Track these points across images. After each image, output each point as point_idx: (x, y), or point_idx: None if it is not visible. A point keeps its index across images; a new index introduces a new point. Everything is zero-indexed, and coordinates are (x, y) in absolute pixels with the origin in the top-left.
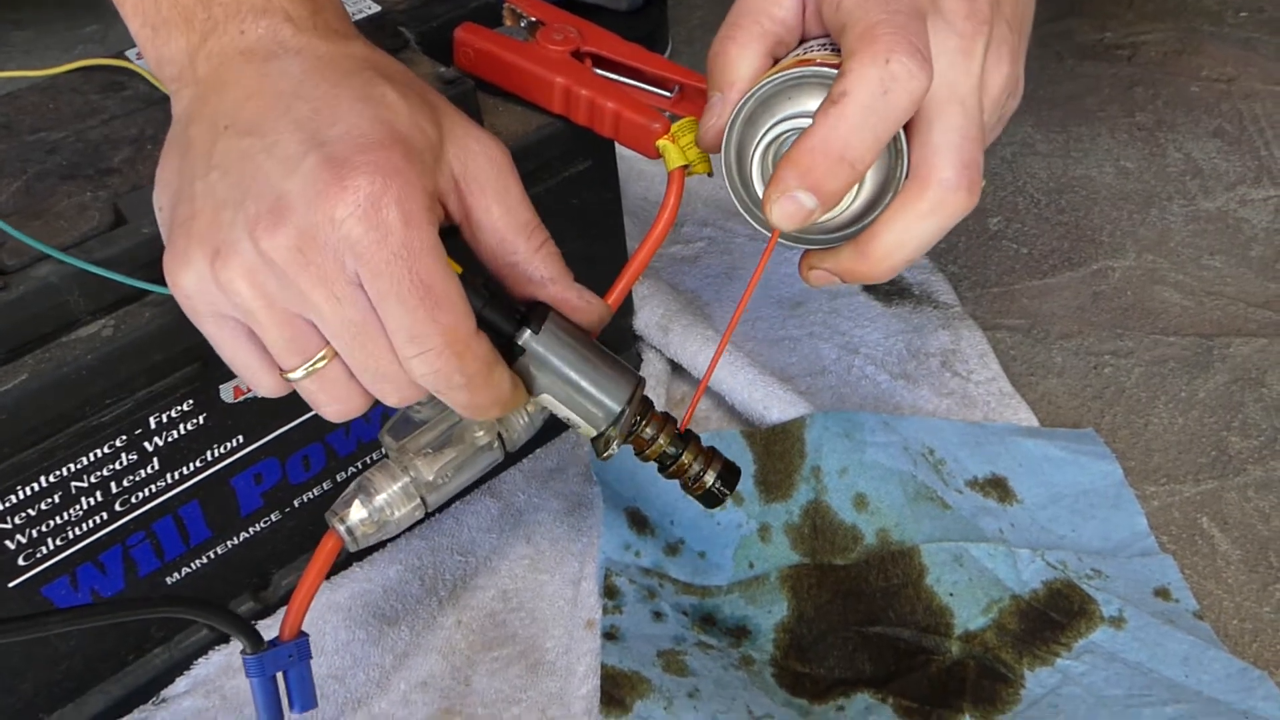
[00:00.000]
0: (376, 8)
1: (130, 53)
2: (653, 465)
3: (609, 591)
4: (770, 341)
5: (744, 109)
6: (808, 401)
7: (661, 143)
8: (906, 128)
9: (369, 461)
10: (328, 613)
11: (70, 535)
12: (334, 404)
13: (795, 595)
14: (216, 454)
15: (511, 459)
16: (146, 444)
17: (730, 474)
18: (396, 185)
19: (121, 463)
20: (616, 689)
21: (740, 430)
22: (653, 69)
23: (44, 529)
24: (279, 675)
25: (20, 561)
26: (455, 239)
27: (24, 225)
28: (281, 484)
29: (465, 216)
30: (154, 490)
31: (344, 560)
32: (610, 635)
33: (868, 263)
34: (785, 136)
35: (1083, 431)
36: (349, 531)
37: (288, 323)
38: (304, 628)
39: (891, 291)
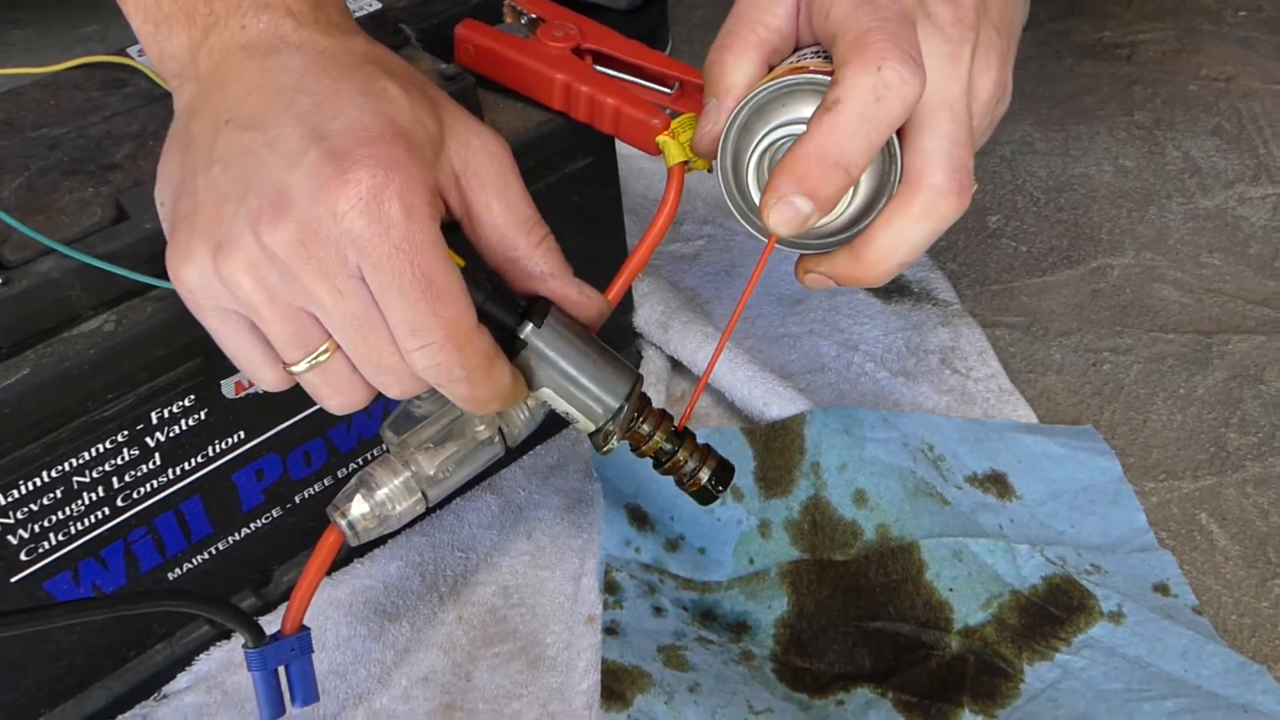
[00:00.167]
0: (378, 4)
1: (132, 49)
2: (650, 461)
3: (609, 587)
4: (770, 339)
5: (739, 116)
6: (807, 398)
7: (661, 139)
8: (898, 133)
9: (370, 457)
10: (329, 609)
11: (72, 530)
12: (337, 397)
13: (795, 591)
14: (218, 449)
15: (512, 455)
16: (148, 439)
17: (725, 471)
18: (398, 179)
19: (123, 458)
20: (617, 684)
21: (740, 427)
22: (653, 66)
23: (46, 524)
24: (280, 669)
25: (22, 556)
26: (456, 234)
27: (27, 220)
28: (283, 480)
29: (466, 212)
30: (156, 485)
31: (345, 556)
32: (611, 630)
33: (862, 266)
34: (780, 143)
35: (1082, 428)
36: (350, 526)
37: (290, 316)
38: (305, 623)
39: (891, 289)
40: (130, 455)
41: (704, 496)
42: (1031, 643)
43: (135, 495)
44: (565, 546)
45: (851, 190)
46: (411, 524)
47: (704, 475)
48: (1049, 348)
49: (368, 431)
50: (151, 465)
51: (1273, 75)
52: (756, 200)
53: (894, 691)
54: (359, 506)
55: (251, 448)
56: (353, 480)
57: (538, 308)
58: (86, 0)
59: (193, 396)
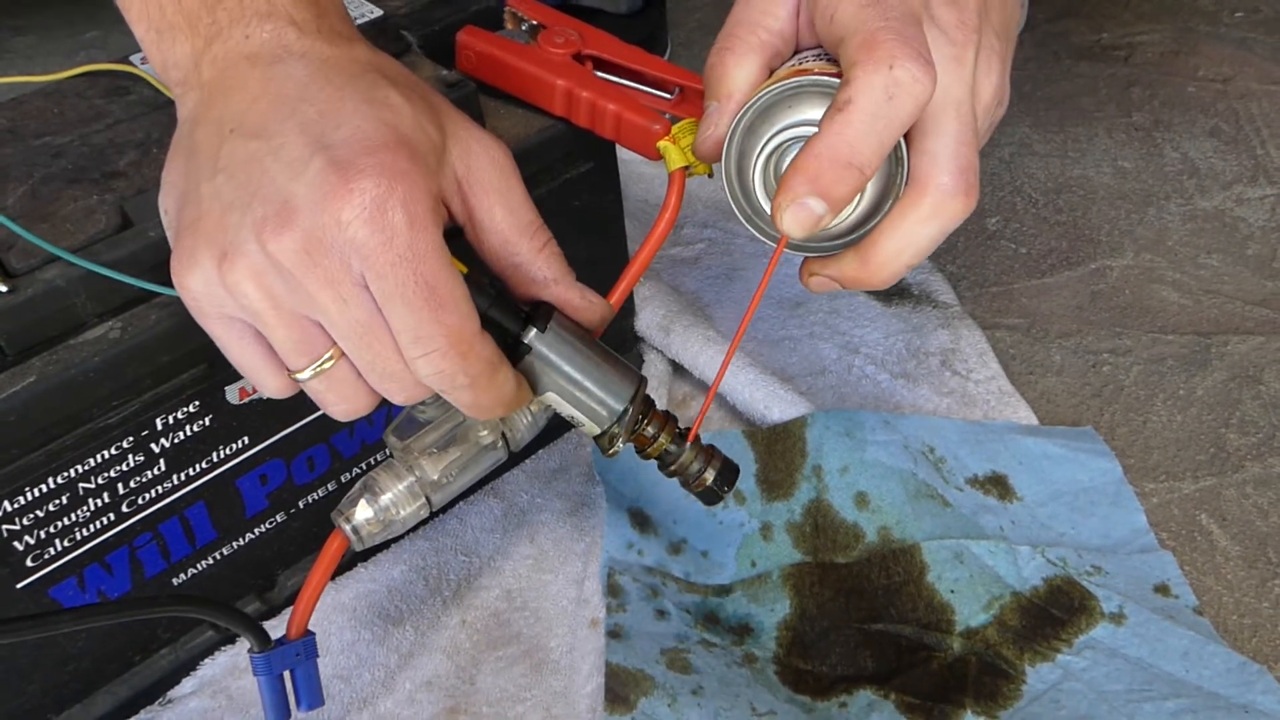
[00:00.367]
0: (379, 12)
1: (135, 57)
2: (654, 464)
3: (612, 590)
4: (771, 342)
5: (744, 119)
6: (808, 401)
7: (662, 144)
8: (904, 135)
9: (373, 462)
10: (333, 613)
11: (77, 536)
12: (341, 403)
13: (797, 593)
14: (222, 455)
15: (514, 459)
16: (153, 445)
17: (729, 471)
18: (402, 187)
19: (128, 464)
20: (621, 687)
21: (742, 430)
22: (653, 71)
23: (51, 530)
24: (286, 674)
25: (28, 563)
26: (459, 240)
27: (31, 228)
28: (287, 485)
29: (469, 218)
30: (160, 491)
31: (348, 561)
32: (614, 634)
33: (869, 269)
34: (787, 145)
35: (1082, 429)
36: (355, 531)
37: (295, 324)
38: (310, 627)
39: (891, 291)
40: (135, 461)
41: (709, 497)
42: (1033, 644)
43: (140, 501)
44: (568, 550)
45: (860, 192)
46: (415, 528)
47: (709, 476)
48: (1049, 349)
49: (371, 437)
50: (156, 471)
51: (1270, 76)
52: (762, 204)
53: (896, 693)
54: (363, 511)
55: (255, 453)
56: (357, 485)
57: (541, 313)
58: (88, 7)
59: (197, 403)
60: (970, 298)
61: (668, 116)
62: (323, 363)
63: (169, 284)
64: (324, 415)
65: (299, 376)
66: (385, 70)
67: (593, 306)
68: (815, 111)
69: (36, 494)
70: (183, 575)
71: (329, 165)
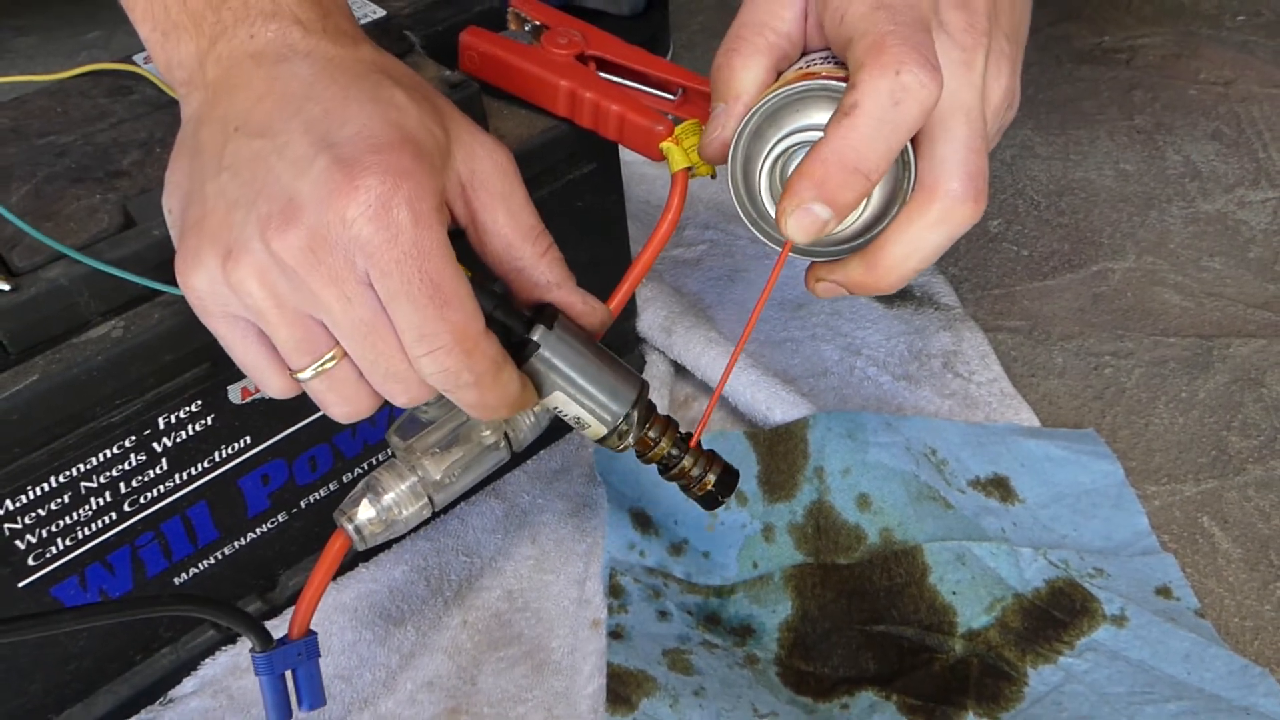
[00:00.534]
0: (381, 12)
1: (138, 57)
2: (653, 466)
3: (614, 591)
4: (773, 343)
5: (750, 122)
6: (810, 402)
7: (665, 145)
8: (912, 140)
9: (375, 462)
10: (334, 613)
11: (79, 535)
12: (343, 404)
13: (799, 595)
14: (224, 455)
15: (516, 460)
16: (155, 445)
17: (730, 476)
18: (407, 186)
19: (130, 463)
20: (622, 687)
21: (744, 431)
22: (656, 72)
23: (53, 529)
24: (287, 674)
25: (30, 561)
26: (461, 243)
27: (35, 227)
28: (288, 485)
29: (471, 220)
30: (162, 491)
31: (350, 561)
32: (616, 634)
33: (875, 274)
34: (793, 150)
35: (1084, 431)
36: (357, 530)
37: (298, 323)
38: (311, 627)
39: (893, 294)
40: (137, 461)
41: (709, 502)
42: (1035, 646)
43: (142, 500)
44: (570, 551)
45: (866, 197)
46: (416, 529)
47: (710, 480)
48: (1051, 351)
49: (373, 437)
50: (158, 470)
51: (1271, 79)
52: (767, 207)
53: (898, 695)
54: (366, 511)
55: (257, 453)
56: (359, 485)
57: (545, 314)
58: (89, 7)
59: (199, 402)
60: (972, 300)
61: (671, 118)
62: (324, 362)
63: (173, 283)
64: (326, 416)
65: (301, 376)
66: (390, 70)
67: (594, 311)
68: (822, 116)
69: (38, 493)
70: (184, 574)
71: (334, 163)
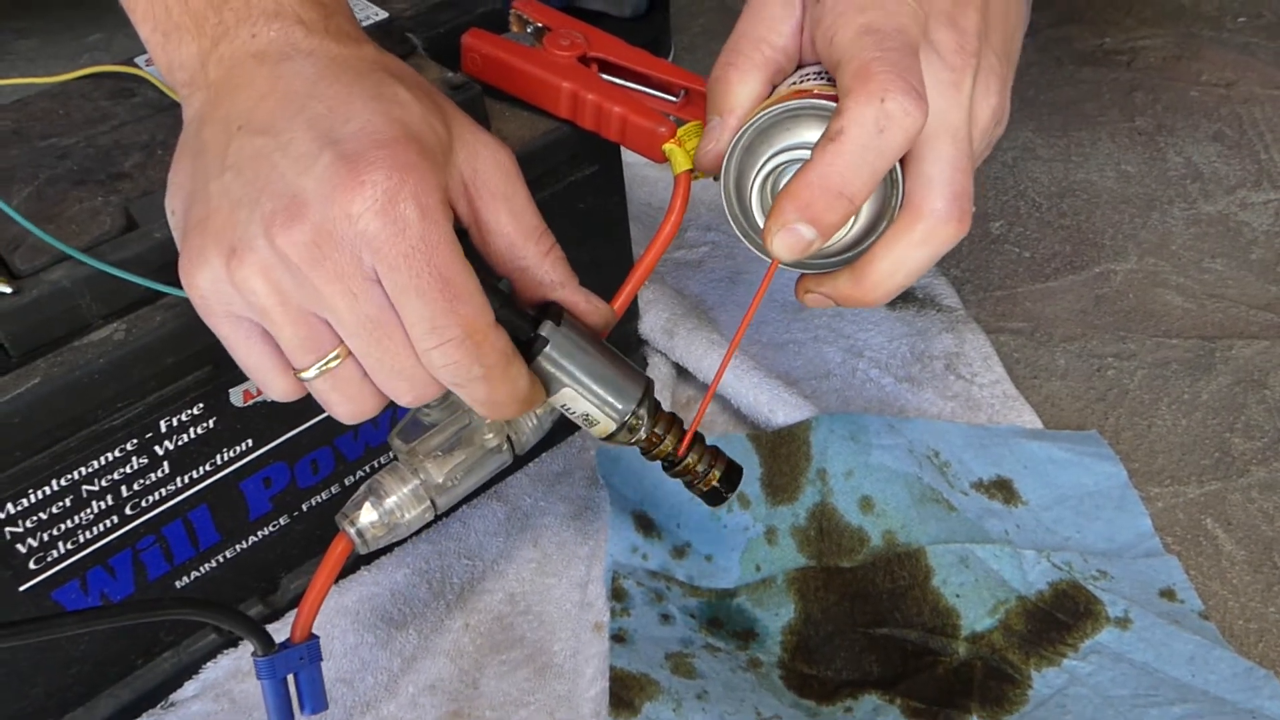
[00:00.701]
0: (384, 14)
1: (139, 59)
2: (657, 468)
3: (617, 594)
4: (775, 345)
5: (742, 138)
6: (813, 405)
7: (668, 146)
8: (900, 158)
9: (377, 465)
10: (336, 617)
11: (81, 539)
12: (346, 404)
13: (802, 597)
14: (226, 458)
15: (518, 463)
16: (157, 448)
17: (734, 472)
18: (412, 180)
19: (132, 466)
20: (625, 691)
21: (746, 433)
22: (659, 74)
23: (55, 533)
24: (290, 677)
25: (31, 565)
26: (464, 243)
27: (37, 229)
28: (290, 488)
29: (474, 220)
30: (164, 494)
31: (351, 564)
32: (618, 638)
33: (862, 288)
34: (783, 167)
35: (1086, 433)
36: (359, 534)
37: (302, 321)
38: (313, 631)
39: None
40: (139, 464)
41: (714, 498)
42: (1039, 648)
43: (144, 504)
44: (572, 554)
45: (850, 218)
46: (418, 532)
47: (715, 476)
48: (1053, 353)
49: (375, 440)
50: (160, 474)
51: (1273, 81)
52: (759, 221)
53: (902, 698)
54: (368, 514)
55: (259, 456)
56: (361, 488)
57: (551, 313)
58: (91, 10)
59: (201, 405)
60: (974, 301)
61: (673, 119)
62: (328, 361)
63: (176, 284)
64: (328, 418)
65: (304, 376)
66: (392, 69)
67: (597, 310)
68: (812, 134)
69: (40, 496)
70: (186, 578)
71: (338, 159)
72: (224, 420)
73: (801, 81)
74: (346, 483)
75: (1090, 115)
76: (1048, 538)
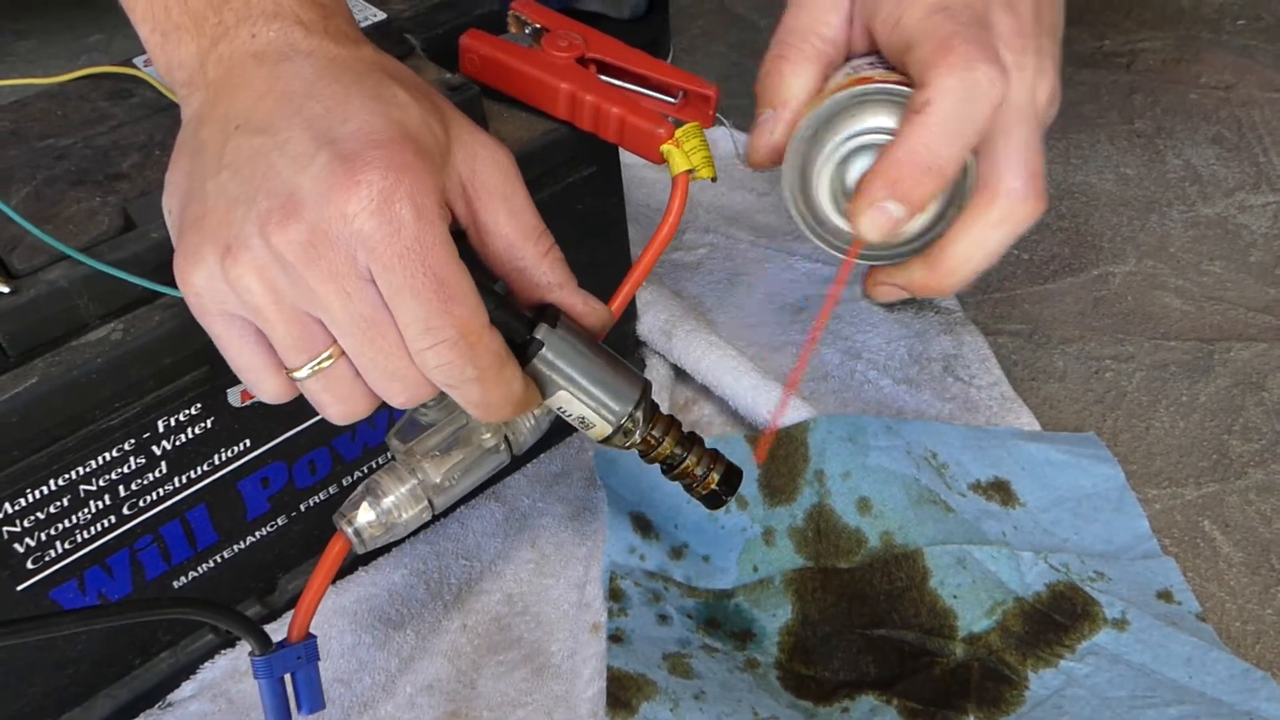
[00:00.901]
0: (382, 15)
1: (138, 60)
2: (655, 469)
3: (614, 595)
4: (773, 347)
5: (807, 127)
6: (811, 406)
7: (666, 147)
8: None
9: (375, 466)
10: (333, 617)
11: (78, 539)
12: (338, 405)
13: (799, 598)
14: (224, 458)
15: (516, 463)
16: (155, 448)
17: (733, 475)
18: (408, 180)
19: (130, 466)
20: (622, 691)
21: (744, 435)
22: (657, 75)
23: (52, 532)
24: (287, 677)
25: (29, 565)
26: (462, 244)
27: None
28: (288, 488)
29: (472, 221)
30: (162, 494)
31: (349, 565)
32: (616, 638)
33: (937, 275)
34: (854, 154)
35: (1084, 435)
36: (357, 533)
37: (296, 320)
38: (310, 631)
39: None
40: (136, 464)
41: (713, 501)
42: (1036, 650)
43: (141, 503)
44: (570, 554)
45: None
46: (416, 532)
47: (714, 479)
48: (1051, 355)
49: (373, 440)
50: (158, 474)
51: (1272, 83)
52: (828, 212)
53: (899, 699)
54: (365, 514)
55: (257, 456)
56: (359, 488)
57: (547, 315)
58: (90, 11)
59: (199, 405)
60: (972, 303)
61: (671, 120)
62: (321, 361)
63: (173, 284)
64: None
65: (296, 375)
66: (391, 70)
67: (595, 312)
68: (882, 119)
69: (38, 496)
70: (184, 578)
71: (335, 159)
72: (222, 420)
73: (857, 72)
74: (344, 483)
75: (1089, 117)
76: (1045, 539)
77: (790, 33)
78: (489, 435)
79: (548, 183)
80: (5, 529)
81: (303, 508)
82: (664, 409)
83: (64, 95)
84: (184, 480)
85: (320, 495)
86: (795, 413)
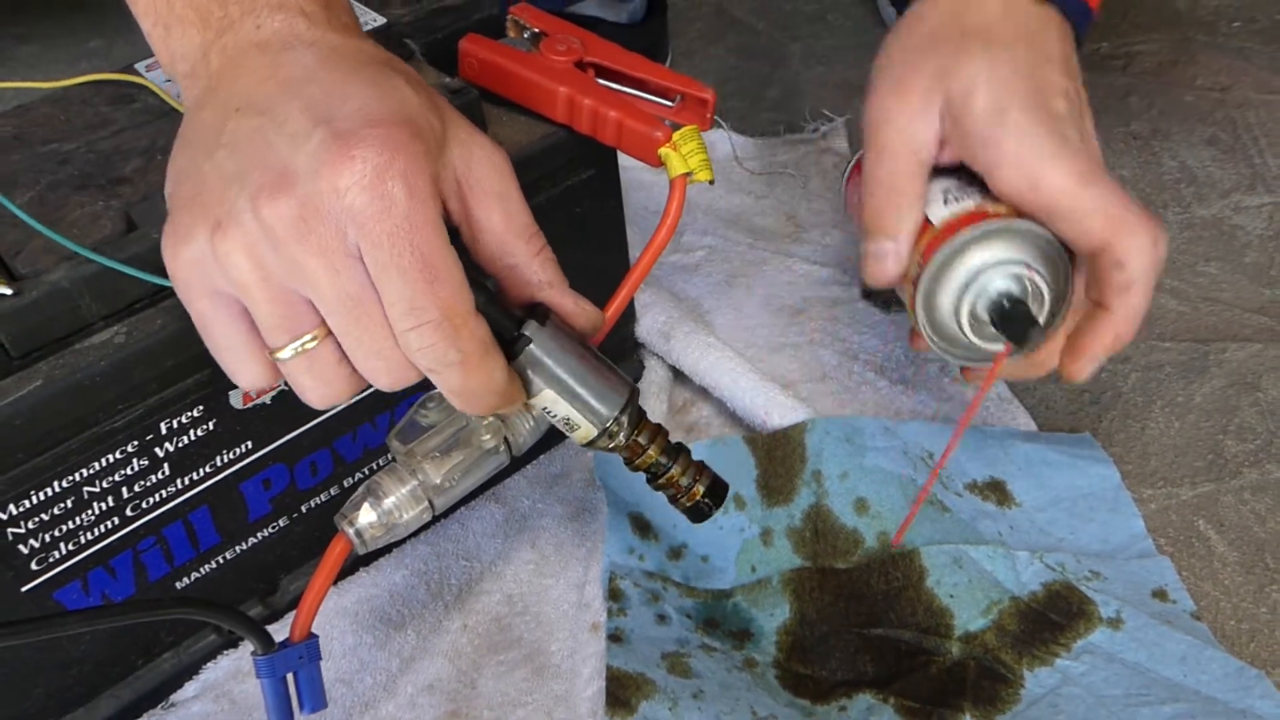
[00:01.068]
0: (382, 20)
1: (140, 65)
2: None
3: (613, 595)
4: (771, 349)
5: (939, 260)
6: (808, 407)
7: (664, 151)
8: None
9: (376, 467)
10: (335, 618)
11: (82, 540)
12: (320, 388)
13: (797, 598)
14: (226, 460)
15: (516, 464)
16: (157, 450)
17: (719, 488)
18: (402, 159)
19: (133, 468)
20: (622, 690)
21: (742, 436)
22: (655, 79)
23: (56, 534)
24: (289, 676)
25: (33, 566)
26: (454, 241)
27: (38, 235)
28: (289, 490)
29: (465, 218)
30: (164, 495)
31: (350, 565)
32: (615, 638)
33: (1034, 368)
34: (987, 282)
35: (1080, 436)
36: (358, 534)
37: (282, 298)
38: (312, 631)
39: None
40: (139, 465)
41: (696, 514)
42: (1031, 649)
43: (144, 505)
44: (569, 555)
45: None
46: (416, 533)
47: (699, 490)
48: None
49: (373, 442)
50: (160, 475)
51: (1267, 85)
52: (963, 331)
53: (896, 697)
54: (366, 515)
55: (259, 458)
56: (360, 489)
57: (537, 313)
58: (91, 16)
59: (201, 407)
60: None
61: (669, 124)
62: (306, 341)
63: None
64: (327, 420)
65: (279, 356)
66: (391, 63)
67: (585, 313)
68: (1009, 250)
69: (41, 497)
70: (186, 579)
71: (331, 136)
72: (224, 422)
73: (974, 205)
74: (345, 484)
75: None
76: (1041, 539)
77: (892, 157)
78: (489, 436)
79: (546, 186)
80: (10, 531)
81: (304, 509)
82: (662, 410)
83: (67, 100)
84: (186, 482)
85: (321, 496)
86: (793, 413)
